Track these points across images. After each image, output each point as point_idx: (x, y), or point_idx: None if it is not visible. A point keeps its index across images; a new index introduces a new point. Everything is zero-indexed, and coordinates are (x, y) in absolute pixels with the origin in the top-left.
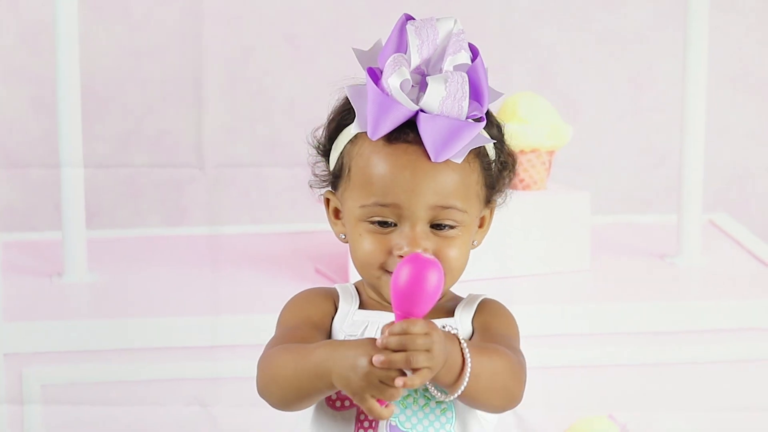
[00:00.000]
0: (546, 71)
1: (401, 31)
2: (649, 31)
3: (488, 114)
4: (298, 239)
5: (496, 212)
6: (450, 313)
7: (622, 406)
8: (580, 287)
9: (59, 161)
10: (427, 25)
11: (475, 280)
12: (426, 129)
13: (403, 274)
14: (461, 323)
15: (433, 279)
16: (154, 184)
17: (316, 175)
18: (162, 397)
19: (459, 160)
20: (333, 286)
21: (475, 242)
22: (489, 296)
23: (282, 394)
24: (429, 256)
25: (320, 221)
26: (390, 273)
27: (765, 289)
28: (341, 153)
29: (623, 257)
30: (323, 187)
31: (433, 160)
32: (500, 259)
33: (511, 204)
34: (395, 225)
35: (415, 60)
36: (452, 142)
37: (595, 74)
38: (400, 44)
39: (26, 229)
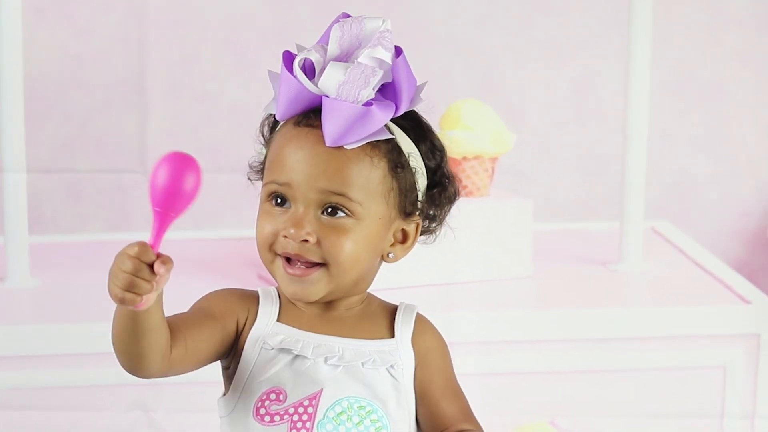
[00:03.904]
0: (489, 78)
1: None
2: (592, 38)
3: (423, 127)
4: (241, 245)
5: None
6: (389, 330)
7: (563, 413)
8: (522, 294)
9: (1, 166)
10: (353, 21)
11: (417, 286)
12: (326, 112)
13: (161, 171)
14: (402, 344)
15: (190, 180)
16: (97, 190)
17: (251, 167)
18: (104, 402)
19: (350, 147)
20: (255, 290)
21: (390, 255)
22: (420, 311)
23: (117, 347)
24: (190, 155)
25: None
26: (279, 255)
27: (706, 296)
28: (269, 143)
29: (565, 264)
30: (259, 179)
31: (327, 143)
32: (442, 265)
33: (454, 210)
34: (290, 207)
35: (333, 49)
36: (349, 129)
37: (538, 81)
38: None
39: None
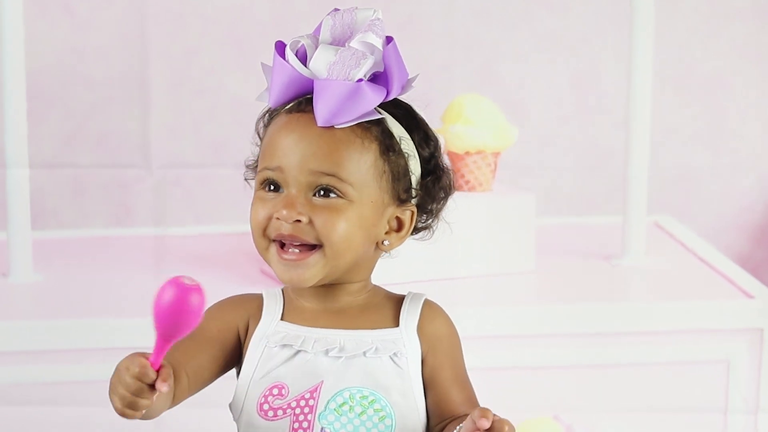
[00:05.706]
0: (490, 72)
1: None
2: (594, 31)
3: (417, 118)
4: (243, 240)
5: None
6: (393, 320)
7: (567, 408)
8: (526, 289)
9: (5, 162)
10: (345, 11)
11: (419, 281)
12: (317, 92)
13: (165, 295)
14: (407, 333)
15: (194, 305)
16: (99, 185)
17: (247, 166)
18: (107, 397)
19: (341, 126)
20: (260, 292)
21: (385, 242)
22: (430, 297)
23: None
24: (191, 282)
25: None
26: (273, 241)
27: (709, 290)
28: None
29: (568, 259)
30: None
31: (318, 123)
32: (445, 260)
33: (457, 205)
34: (283, 192)
35: (325, 37)
36: (340, 108)
37: (540, 75)
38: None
39: None
